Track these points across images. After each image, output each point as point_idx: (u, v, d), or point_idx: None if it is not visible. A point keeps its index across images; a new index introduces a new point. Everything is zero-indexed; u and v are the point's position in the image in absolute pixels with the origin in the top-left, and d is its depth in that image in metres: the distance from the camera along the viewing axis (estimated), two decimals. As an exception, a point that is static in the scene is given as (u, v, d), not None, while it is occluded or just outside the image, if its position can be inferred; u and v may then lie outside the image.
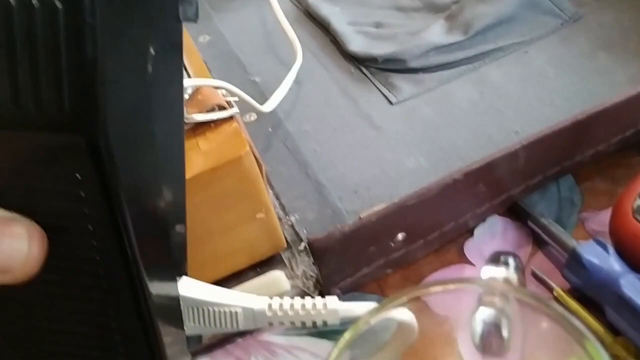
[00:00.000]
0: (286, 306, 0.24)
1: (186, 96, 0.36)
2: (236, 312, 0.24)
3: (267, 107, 0.44)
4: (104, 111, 0.17)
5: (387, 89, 0.48)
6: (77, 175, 0.18)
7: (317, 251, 0.33)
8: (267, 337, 0.35)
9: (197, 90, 0.36)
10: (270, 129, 0.46)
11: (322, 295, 0.36)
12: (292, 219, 0.39)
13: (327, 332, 0.34)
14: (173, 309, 0.23)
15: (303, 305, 0.24)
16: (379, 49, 0.49)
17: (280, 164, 0.44)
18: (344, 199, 0.40)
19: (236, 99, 0.37)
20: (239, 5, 0.63)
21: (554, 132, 0.34)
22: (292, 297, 0.36)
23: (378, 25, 0.54)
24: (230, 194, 0.34)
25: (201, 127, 0.35)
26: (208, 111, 0.35)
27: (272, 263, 0.38)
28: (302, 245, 0.38)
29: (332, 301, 0.24)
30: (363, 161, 0.43)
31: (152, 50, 0.19)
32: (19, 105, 0.17)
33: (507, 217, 0.37)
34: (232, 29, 0.59)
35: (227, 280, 0.37)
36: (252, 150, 0.35)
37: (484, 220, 0.37)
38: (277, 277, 0.36)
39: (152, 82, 0.20)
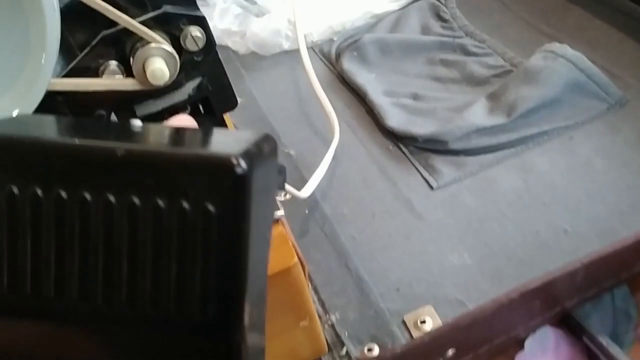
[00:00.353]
0: None
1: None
2: None
3: (305, 192, 0.43)
4: (245, 316, 0.17)
5: (427, 171, 0.46)
6: None
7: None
8: None
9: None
10: (306, 211, 0.45)
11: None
12: (333, 318, 0.38)
13: None
14: None
15: None
16: (419, 128, 0.48)
17: (318, 252, 0.42)
18: (386, 297, 0.39)
19: (281, 198, 0.36)
20: (271, 65, 0.62)
21: (615, 250, 0.33)
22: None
23: (415, 96, 0.53)
24: (276, 303, 0.33)
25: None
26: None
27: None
28: (344, 350, 0.36)
29: None
30: (404, 253, 0.41)
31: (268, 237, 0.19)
32: (160, 307, 0.16)
33: (559, 328, 0.36)
34: (264, 91, 0.58)
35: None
36: (296, 252, 0.33)
37: (534, 330, 0.36)
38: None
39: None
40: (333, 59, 0.60)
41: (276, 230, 0.34)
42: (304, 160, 0.50)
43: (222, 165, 0.16)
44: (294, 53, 0.62)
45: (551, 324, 0.36)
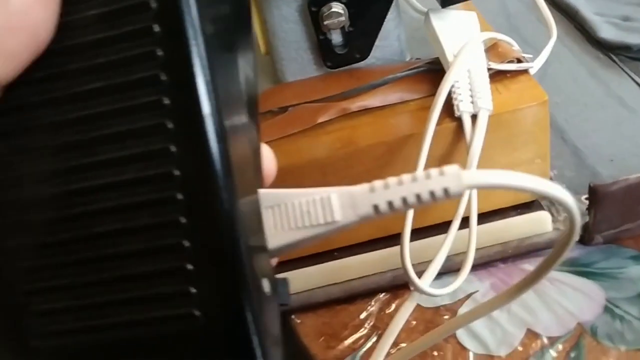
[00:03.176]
0: (392, 182, 0.18)
1: (484, 46, 0.40)
2: (329, 198, 0.18)
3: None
4: None
5: (639, 76, 0.50)
6: None
7: (599, 196, 0.37)
8: (529, 267, 0.39)
9: (495, 43, 0.41)
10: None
11: (584, 242, 0.40)
12: (551, 174, 0.43)
13: (589, 272, 0.38)
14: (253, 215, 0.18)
15: (414, 177, 0.18)
16: (633, 39, 0.52)
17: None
18: (600, 165, 0.44)
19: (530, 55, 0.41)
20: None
21: None
22: (552, 240, 0.40)
23: (626, 18, 0.56)
24: (521, 135, 0.38)
25: (498, 76, 0.40)
26: (508, 62, 0.39)
27: (531, 207, 0.41)
28: (563, 197, 0.42)
29: (451, 168, 0.18)
30: (617, 136, 0.46)
31: None
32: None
33: None
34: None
35: (488, 215, 0.41)
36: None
37: None
38: (542, 217, 0.40)
39: None
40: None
41: (526, 77, 0.40)
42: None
43: None
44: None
45: None
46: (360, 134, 0.38)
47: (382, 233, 0.41)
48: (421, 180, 0.18)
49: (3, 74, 0.16)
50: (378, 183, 0.18)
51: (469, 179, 0.18)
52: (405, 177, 0.18)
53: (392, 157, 0.38)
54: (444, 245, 0.35)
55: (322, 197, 0.18)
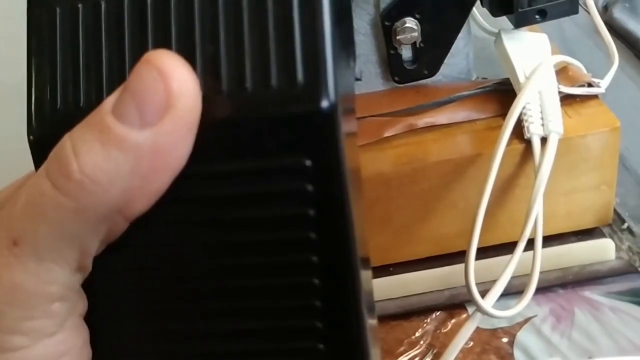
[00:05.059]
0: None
1: (556, 69, 0.40)
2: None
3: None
4: (335, 75, 0.17)
5: (703, 107, 0.49)
6: (305, 161, 0.17)
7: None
8: (590, 294, 0.39)
9: (565, 67, 0.40)
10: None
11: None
12: (615, 201, 0.43)
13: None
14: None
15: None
16: (697, 70, 0.51)
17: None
18: (664, 194, 0.43)
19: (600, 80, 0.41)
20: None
21: None
22: (614, 268, 0.39)
23: (688, 49, 0.56)
24: (590, 160, 0.38)
25: (568, 100, 0.39)
26: (579, 86, 0.39)
27: (592, 234, 0.41)
28: (625, 225, 0.41)
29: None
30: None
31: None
32: (245, 86, 0.17)
33: None
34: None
35: (547, 240, 0.40)
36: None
37: None
38: (606, 244, 0.39)
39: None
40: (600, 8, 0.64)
41: (597, 102, 0.39)
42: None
43: None
44: None
45: None
46: (427, 150, 0.38)
47: (439, 251, 0.41)
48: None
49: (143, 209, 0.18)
50: None
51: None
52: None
53: (458, 175, 0.37)
54: (509, 267, 0.35)
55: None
